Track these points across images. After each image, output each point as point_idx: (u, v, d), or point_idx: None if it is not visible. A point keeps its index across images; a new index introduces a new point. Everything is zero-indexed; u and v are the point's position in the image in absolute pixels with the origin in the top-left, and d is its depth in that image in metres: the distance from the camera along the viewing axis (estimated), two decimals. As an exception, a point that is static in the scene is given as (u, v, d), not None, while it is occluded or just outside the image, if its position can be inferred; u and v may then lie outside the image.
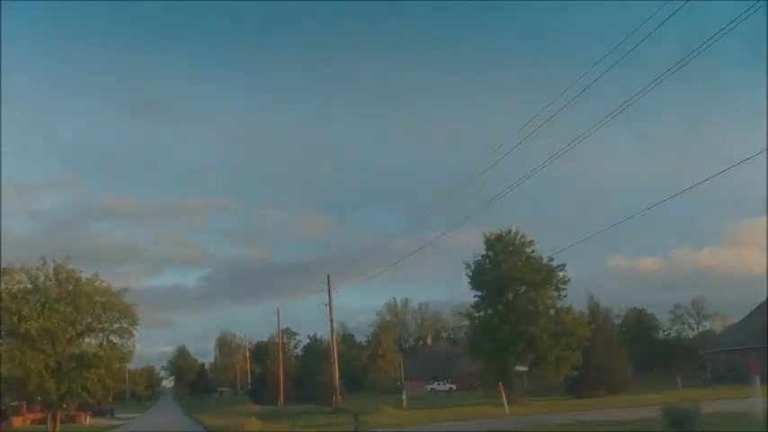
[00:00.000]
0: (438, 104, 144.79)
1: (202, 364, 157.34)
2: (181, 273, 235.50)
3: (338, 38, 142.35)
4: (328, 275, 54.73)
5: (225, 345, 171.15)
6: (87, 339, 41.73)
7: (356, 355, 79.32)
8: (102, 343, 41.06)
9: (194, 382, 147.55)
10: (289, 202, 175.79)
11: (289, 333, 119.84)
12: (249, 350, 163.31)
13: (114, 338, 41.24)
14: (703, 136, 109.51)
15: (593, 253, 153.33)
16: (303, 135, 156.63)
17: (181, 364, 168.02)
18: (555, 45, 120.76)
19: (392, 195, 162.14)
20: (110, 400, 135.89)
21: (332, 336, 56.85)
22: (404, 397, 52.15)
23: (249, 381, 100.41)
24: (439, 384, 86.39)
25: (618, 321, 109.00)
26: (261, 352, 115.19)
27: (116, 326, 40.73)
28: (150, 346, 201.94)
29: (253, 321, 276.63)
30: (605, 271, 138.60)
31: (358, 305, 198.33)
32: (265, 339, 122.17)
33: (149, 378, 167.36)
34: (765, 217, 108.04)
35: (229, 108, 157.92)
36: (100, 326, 40.86)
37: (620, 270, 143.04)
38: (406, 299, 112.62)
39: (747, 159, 17.80)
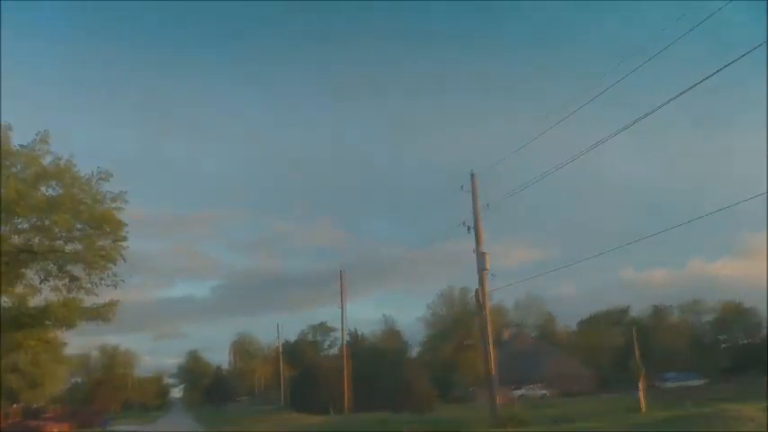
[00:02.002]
0: (453, 115, 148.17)
1: (219, 368, 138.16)
2: (193, 284, 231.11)
3: (353, 49, 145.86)
4: (341, 272, 51.06)
5: (242, 349, 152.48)
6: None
7: (437, 347, 61.09)
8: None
9: (210, 389, 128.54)
10: (301, 212, 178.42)
11: (325, 329, 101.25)
12: (276, 350, 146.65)
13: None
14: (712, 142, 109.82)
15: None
16: (314, 146, 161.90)
17: (193, 369, 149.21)
18: (567, 51, 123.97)
19: (406, 205, 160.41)
20: (116, 409, 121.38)
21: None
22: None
23: (282, 386, 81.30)
24: (530, 389, 67.21)
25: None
26: (291, 353, 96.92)
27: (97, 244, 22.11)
28: (161, 358, 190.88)
29: (267, 330, 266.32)
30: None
31: (373, 316, 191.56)
32: (292, 339, 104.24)
33: (159, 386, 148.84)
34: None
35: (241, 119, 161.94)
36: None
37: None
38: (466, 287, 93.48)
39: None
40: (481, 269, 28.15)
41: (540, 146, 27.55)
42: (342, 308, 48.15)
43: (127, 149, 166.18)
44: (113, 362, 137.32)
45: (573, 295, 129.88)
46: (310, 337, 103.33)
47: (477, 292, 28.45)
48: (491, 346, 28.77)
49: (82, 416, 58.91)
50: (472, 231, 28.35)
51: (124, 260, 24.36)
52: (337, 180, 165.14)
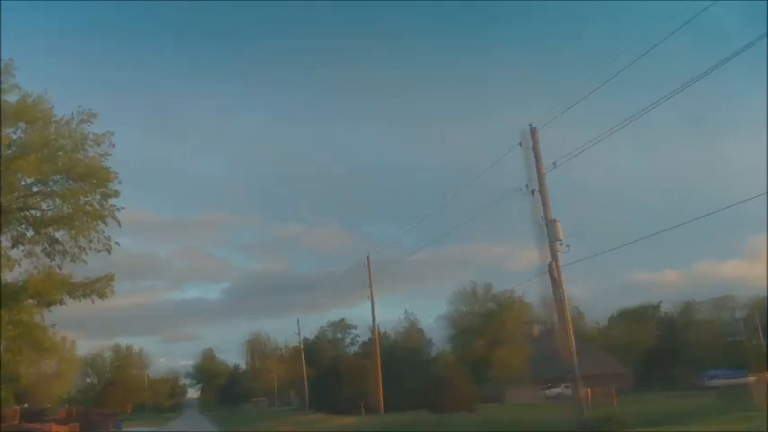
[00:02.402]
0: (459, 118, 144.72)
1: (236, 367, 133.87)
2: (204, 286, 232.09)
3: (358, 51, 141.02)
4: (367, 257, 47.79)
5: (258, 349, 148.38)
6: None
7: (469, 343, 56.39)
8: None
9: (225, 390, 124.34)
10: (310, 215, 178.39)
11: (345, 326, 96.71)
12: (293, 350, 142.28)
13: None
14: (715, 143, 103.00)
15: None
16: (322, 149, 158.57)
17: (208, 369, 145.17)
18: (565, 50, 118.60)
19: (415, 207, 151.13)
20: (129, 410, 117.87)
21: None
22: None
23: (306, 386, 76.71)
24: (566, 388, 61.96)
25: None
26: (310, 351, 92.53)
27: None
28: (174, 360, 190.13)
29: (279, 332, 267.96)
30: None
31: (383, 318, 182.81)
32: (311, 338, 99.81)
33: (173, 387, 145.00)
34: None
35: (249, 122, 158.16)
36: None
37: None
38: (489, 283, 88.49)
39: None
40: (553, 239, 23.30)
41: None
42: (371, 296, 43.65)
43: (135, 153, 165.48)
44: (127, 362, 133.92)
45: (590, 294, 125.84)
46: (329, 334, 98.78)
47: (550, 266, 23.57)
48: (571, 333, 23.92)
49: (91, 417, 55.51)
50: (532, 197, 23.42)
51: (117, 222, 19.93)
52: (346, 182, 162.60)
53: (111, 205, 19.48)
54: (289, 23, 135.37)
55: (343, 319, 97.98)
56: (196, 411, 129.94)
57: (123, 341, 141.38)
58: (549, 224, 23.22)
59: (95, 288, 21.10)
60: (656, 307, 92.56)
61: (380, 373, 44.51)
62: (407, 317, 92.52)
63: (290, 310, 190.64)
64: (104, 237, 20.41)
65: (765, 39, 17.67)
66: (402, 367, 52.11)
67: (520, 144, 24.17)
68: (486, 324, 53.72)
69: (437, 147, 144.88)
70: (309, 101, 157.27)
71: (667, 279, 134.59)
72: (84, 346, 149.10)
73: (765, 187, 18.00)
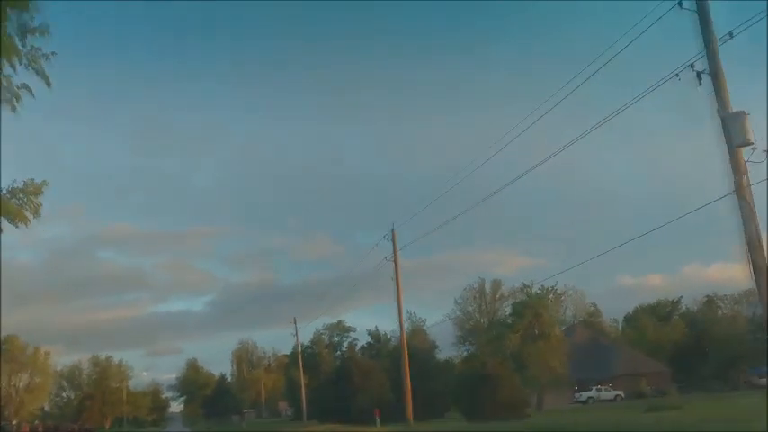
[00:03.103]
0: (449, 124, 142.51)
1: (222, 377, 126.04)
2: (188, 299, 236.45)
3: (345, 63, 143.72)
4: (392, 229, 39.63)
5: (244, 358, 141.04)
6: None
7: (502, 334, 49.98)
8: None
9: (212, 401, 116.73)
10: (295, 226, 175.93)
11: (342, 329, 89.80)
12: (281, 360, 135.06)
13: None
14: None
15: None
16: (306, 159, 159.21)
17: (193, 380, 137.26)
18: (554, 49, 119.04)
19: (400, 216, 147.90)
20: (106, 425, 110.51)
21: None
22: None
23: (303, 394, 69.72)
24: (602, 390, 56.11)
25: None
26: (304, 357, 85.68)
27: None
28: (157, 374, 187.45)
29: (264, 343, 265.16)
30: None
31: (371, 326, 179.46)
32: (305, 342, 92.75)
33: (154, 400, 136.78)
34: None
35: (233, 134, 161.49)
36: None
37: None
38: (499, 280, 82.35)
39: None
40: (741, 141, 15.75)
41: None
42: (395, 277, 36.91)
43: (120, 165, 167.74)
44: (105, 374, 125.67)
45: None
46: (326, 338, 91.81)
47: (737, 183, 15.88)
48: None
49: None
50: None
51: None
52: (331, 193, 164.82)
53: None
54: (278, 34, 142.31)
55: (340, 321, 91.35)
56: (181, 425, 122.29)
57: (104, 354, 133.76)
58: (732, 118, 15.19)
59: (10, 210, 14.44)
60: (676, 303, 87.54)
61: (408, 376, 37.68)
62: (410, 318, 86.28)
63: (277, 321, 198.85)
64: None
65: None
66: (417, 370, 45.77)
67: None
68: (524, 314, 47.61)
69: (431, 150, 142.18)
70: (294, 113, 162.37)
71: (652, 283, 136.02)
72: (66, 361, 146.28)
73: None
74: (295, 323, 72.86)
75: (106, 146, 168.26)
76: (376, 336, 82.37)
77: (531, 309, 49.10)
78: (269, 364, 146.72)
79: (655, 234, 21.47)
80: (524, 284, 55.53)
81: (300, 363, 73.15)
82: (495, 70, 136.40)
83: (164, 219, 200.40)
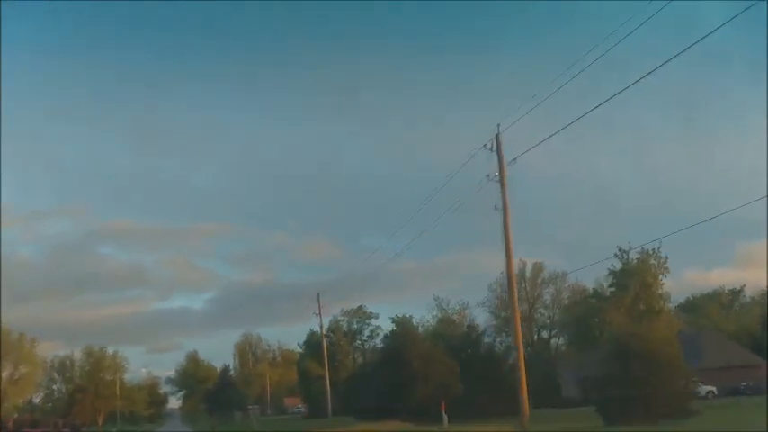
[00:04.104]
0: (447, 126, 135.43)
1: (226, 369, 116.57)
2: (189, 296, 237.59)
3: (345, 63, 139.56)
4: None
5: (247, 351, 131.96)
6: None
7: (594, 307, 40.68)
8: None
9: (214, 396, 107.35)
10: (296, 226, 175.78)
11: (362, 315, 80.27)
12: (286, 355, 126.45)
13: None
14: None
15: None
16: (312, 159, 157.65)
17: (193, 373, 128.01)
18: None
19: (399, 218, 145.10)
20: (100, 421, 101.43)
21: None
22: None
23: (328, 387, 60.21)
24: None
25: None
26: (316, 346, 76.51)
27: None
28: (157, 371, 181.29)
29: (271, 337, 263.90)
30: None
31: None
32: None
33: (151, 394, 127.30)
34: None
35: (236, 132, 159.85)
36: None
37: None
38: (541, 262, 72.97)
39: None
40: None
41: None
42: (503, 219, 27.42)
43: (122, 163, 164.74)
44: (99, 366, 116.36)
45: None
46: (344, 326, 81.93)
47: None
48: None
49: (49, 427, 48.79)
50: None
51: None
52: (332, 194, 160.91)
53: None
54: (278, 36, 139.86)
55: (361, 306, 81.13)
56: (179, 423, 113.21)
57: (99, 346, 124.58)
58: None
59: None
60: (739, 292, 78.63)
61: (522, 359, 27.85)
62: (439, 304, 76.91)
63: (278, 319, 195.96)
64: None
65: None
66: (482, 359, 36.84)
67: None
68: (622, 289, 38.28)
69: (433, 160, 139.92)
70: (296, 114, 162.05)
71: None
72: (54, 347, 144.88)
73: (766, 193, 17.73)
74: (318, 299, 62.88)
75: (107, 145, 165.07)
76: (402, 322, 72.80)
77: (638, 277, 39.60)
78: (274, 358, 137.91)
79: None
80: (619, 249, 45.94)
81: (324, 348, 63.26)
82: (495, 70, 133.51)
83: (164, 217, 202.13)
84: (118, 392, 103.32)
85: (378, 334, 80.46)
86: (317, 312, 63.37)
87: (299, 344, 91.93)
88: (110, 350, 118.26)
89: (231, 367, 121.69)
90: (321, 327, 67.41)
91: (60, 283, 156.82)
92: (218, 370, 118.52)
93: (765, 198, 19.55)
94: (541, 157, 43.46)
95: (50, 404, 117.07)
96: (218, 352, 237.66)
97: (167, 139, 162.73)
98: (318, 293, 63.51)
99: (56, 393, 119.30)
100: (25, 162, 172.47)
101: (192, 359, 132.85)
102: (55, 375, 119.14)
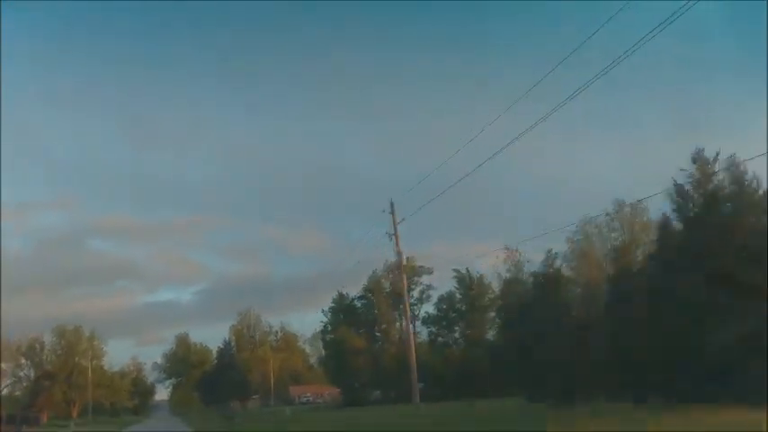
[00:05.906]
0: (440, 118, 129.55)
1: (226, 347, 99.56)
2: (177, 289, 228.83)
3: (340, 53, 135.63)
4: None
5: (245, 334, 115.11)
6: None
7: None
8: None
9: (210, 382, 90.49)
10: (287, 217, 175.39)
11: (413, 269, 61.04)
12: (295, 337, 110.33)
13: None
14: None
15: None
16: (300, 150, 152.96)
17: (184, 357, 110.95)
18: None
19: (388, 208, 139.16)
20: (74, 414, 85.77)
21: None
22: None
23: (414, 367, 42.16)
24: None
25: None
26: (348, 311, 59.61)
27: None
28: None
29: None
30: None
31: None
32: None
33: (136, 384, 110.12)
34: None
35: (226, 125, 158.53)
36: None
37: None
38: (638, 202, 56.65)
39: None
40: None
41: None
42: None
43: (112, 156, 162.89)
44: (73, 350, 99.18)
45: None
46: (387, 286, 63.06)
47: None
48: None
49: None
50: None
51: None
52: (323, 185, 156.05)
53: None
54: (269, 29, 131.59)
55: (410, 259, 59.66)
56: (169, 415, 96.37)
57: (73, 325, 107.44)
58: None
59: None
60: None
61: None
62: (510, 257, 59.63)
63: (269, 310, 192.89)
64: None
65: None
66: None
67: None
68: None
69: (429, 151, 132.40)
70: (288, 104, 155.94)
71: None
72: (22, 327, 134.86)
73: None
74: (392, 208, 40.26)
75: (96, 138, 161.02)
76: (464, 279, 55.69)
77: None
78: (276, 341, 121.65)
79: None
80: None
81: (405, 288, 39.86)
82: (496, 70, 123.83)
83: (155, 210, 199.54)
84: (90, 378, 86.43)
85: (430, 296, 62.43)
86: (391, 232, 40.58)
87: (322, 310, 74.64)
88: (86, 330, 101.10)
89: (232, 345, 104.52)
90: (399, 253, 41.81)
91: (49, 276, 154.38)
92: (215, 351, 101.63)
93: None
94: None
95: (18, 393, 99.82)
96: (212, 337, 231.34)
97: (156, 132, 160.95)
98: (392, 202, 41.65)
99: (23, 381, 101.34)
100: (14, 154, 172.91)
101: (183, 342, 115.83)
102: (22, 361, 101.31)
